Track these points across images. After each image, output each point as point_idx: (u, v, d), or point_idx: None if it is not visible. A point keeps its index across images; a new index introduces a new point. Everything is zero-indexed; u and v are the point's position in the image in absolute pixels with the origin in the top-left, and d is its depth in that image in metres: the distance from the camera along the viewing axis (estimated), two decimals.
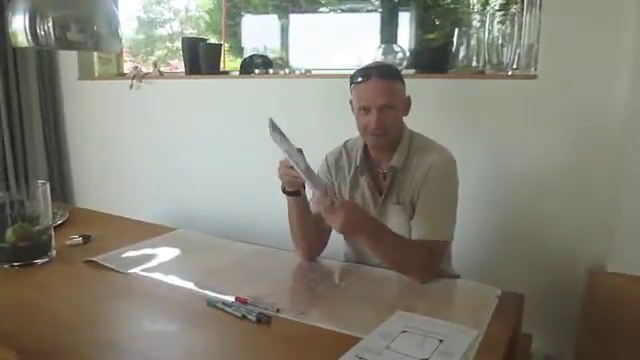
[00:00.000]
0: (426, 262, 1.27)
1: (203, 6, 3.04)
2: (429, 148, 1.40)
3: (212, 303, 1.12)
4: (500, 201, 1.85)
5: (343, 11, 2.68)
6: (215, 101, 2.41)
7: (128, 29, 3.01)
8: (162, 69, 2.68)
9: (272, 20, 2.78)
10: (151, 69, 2.62)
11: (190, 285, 1.25)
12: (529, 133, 1.76)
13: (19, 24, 1.44)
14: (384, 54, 2.07)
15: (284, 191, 1.34)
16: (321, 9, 2.76)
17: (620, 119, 1.60)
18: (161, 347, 1.00)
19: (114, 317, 1.13)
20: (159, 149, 2.61)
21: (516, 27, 1.85)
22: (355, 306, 1.15)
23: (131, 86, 2.55)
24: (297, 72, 2.27)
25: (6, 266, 1.35)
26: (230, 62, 2.70)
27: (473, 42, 1.96)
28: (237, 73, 2.41)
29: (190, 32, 3.04)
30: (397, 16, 2.47)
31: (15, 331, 1.02)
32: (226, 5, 2.76)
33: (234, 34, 2.82)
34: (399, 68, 1.76)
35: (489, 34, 1.92)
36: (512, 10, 2.03)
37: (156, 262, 1.42)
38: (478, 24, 2.09)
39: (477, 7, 2.39)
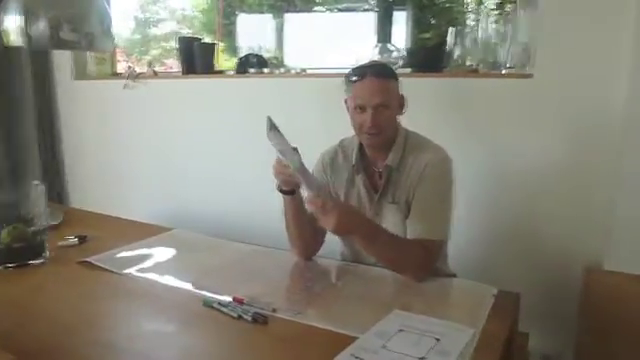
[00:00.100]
0: (422, 261, 1.27)
1: (198, 5, 3.04)
2: (424, 147, 1.40)
3: (208, 303, 1.12)
4: (496, 200, 1.85)
5: (339, 10, 2.69)
6: (210, 101, 2.40)
7: (123, 29, 3.00)
8: (157, 69, 2.67)
9: (267, 19, 2.78)
10: (146, 69, 2.61)
11: (186, 285, 1.25)
12: (525, 132, 1.77)
13: (12, 24, 1.44)
14: (380, 53, 2.07)
15: (280, 190, 1.34)
16: (316, 8, 2.76)
17: (617, 119, 1.60)
18: (158, 348, 0.99)
19: (111, 318, 1.12)
20: (154, 149, 2.61)
21: (510, 26, 1.86)
22: (351, 305, 1.15)
23: (125, 86, 2.54)
24: (292, 71, 2.27)
25: (0, 267, 1.34)
26: (225, 61, 2.69)
27: (468, 41, 1.97)
28: (232, 72, 2.41)
29: (185, 32, 3.03)
30: (392, 15, 2.47)
31: (11, 332, 1.02)
32: (221, 4, 2.75)
33: (229, 33, 2.82)
34: (395, 67, 1.76)
35: (484, 33, 1.92)
36: (507, 9, 2.04)
37: (152, 262, 1.41)
38: (473, 23, 2.10)
39: (472, 6, 2.40)
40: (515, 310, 1.15)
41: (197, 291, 1.20)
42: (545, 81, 1.70)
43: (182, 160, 2.52)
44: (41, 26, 1.42)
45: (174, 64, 2.82)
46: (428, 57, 2.01)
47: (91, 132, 2.81)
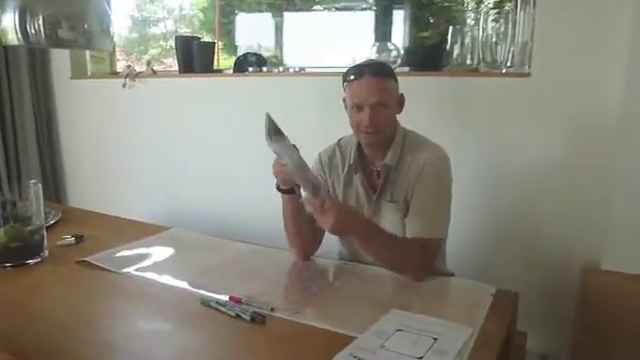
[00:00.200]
0: (420, 260, 1.27)
1: (197, 4, 3.03)
2: (423, 146, 1.40)
3: (206, 302, 1.12)
4: (494, 199, 1.85)
5: (337, 9, 2.68)
6: (209, 99, 2.40)
7: (122, 28, 3.00)
8: (156, 68, 2.66)
9: (266, 18, 2.78)
10: (144, 68, 2.61)
11: (184, 284, 1.24)
12: (523, 131, 1.76)
13: (9, 22, 1.43)
14: (378, 52, 2.07)
15: (278, 189, 1.34)
16: (315, 7, 2.76)
17: (614, 118, 1.60)
18: (156, 347, 0.99)
19: (109, 317, 1.12)
20: (153, 148, 2.60)
21: (510, 25, 1.85)
22: (350, 305, 1.15)
23: (124, 85, 2.53)
24: (291, 70, 2.27)
25: None
26: (224, 60, 2.69)
27: (467, 40, 1.96)
28: (231, 71, 2.40)
29: (184, 31, 3.03)
30: (391, 14, 2.47)
31: (9, 332, 1.01)
32: (220, 3, 2.75)
33: (228, 32, 2.82)
34: (393, 66, 1.76)
35: (483, 32, 1.92)
36: (506, 8, 2.03)
37: (150, 261, 1.41)
38: (472, 22, 2.09)
39: (471, 5, 2.40)
40: (513, 309, 1.14)
41: (195, 290, 1.20)
42: (542, 80, 1.70)
43: (181, 159, 2.52)
44: (39, 24, 1.41)
45: (173, 63, 2.82)
46: (427, 56, 2.01)
47: (89, 131, 2.80)
